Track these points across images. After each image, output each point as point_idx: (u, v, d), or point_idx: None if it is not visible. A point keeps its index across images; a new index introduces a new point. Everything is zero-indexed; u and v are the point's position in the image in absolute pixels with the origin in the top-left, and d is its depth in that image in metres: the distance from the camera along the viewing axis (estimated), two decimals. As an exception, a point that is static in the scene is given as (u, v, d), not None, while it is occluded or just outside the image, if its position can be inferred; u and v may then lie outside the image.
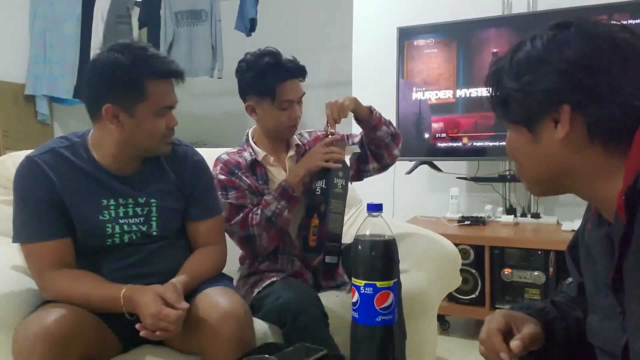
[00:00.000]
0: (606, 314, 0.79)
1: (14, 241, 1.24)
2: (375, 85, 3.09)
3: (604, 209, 0.76)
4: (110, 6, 3.47)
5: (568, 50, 0.71)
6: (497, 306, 2.45)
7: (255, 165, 1.58)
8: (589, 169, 0.74)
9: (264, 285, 1.49)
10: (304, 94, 1.60)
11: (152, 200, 1.29)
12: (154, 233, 1.30)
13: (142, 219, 1.28)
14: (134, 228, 1.27)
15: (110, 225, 1.25)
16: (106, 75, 1.19)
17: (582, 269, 0.87)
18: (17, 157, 1.73)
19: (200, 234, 1.37)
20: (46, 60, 3.54)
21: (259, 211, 1.50)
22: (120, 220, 1.26)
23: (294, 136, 1.67)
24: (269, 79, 1.52)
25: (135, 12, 3.67)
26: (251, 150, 1.60)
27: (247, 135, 1.66)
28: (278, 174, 1.61)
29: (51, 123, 3.73)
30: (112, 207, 1.25)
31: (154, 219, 1.29)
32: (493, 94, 0.80)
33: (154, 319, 1.10)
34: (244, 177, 1.55)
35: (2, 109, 3.43)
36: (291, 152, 1.64)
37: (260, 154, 1.59)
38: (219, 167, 1.56)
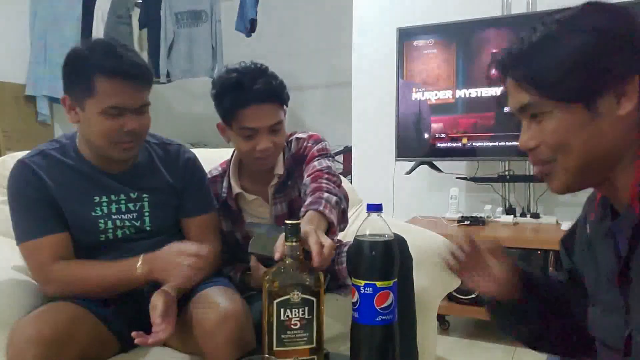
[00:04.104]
0: (607, 307, 0.78)
1: (18, 242, 1.24)
2: (375, 85, 3.09)
3: (617, 200, 0.75)
4: (110, 7, 3.48)
5: None
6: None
7: (227, 204, 1.44)
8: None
9: (244, 296, 1.42)
10: (277, 122, 1.32)
11: (144, 196, 1.30)
12: (148, 228, 1.30)
13: (134, 214, 1.29)
14: (127, 223, 1.28)
15: (102, 221, 1.25)
16: (65, 66, 1.20)
17: (582, 259, 0.86)
18: (17, 158, 1.73)
19: (193, 230, 1.36)
20: (46, 61, 3.55)
21: None
22: (113, 216, 1.26)
23: (283, 153, 1.43)
24: (226, 101, 1.31)
25: (136, 13, 3.68)
26: (227, 182, 1.44)
27: (231, 157, 1.48)
28: (259, 207, 1.45)
29: (51, 123, 3.74)
30: (105, 204, 1.26)
31: (146, 214, 1.30)
32: (536, 70, 0.73)
33: (179, 254, 1.13)
34: None
35: (3, 109, 3.44)
36: (274, 181, 1.43)
37: (235, 190, 1.42)
38: None
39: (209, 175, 1.50)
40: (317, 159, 1.40)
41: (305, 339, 0.96)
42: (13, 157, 1.74)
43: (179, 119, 4.16)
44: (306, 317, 0.95)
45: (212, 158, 1.61)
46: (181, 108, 4.43)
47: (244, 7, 3.42)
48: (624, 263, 0.72)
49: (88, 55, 1.16)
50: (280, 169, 1.42)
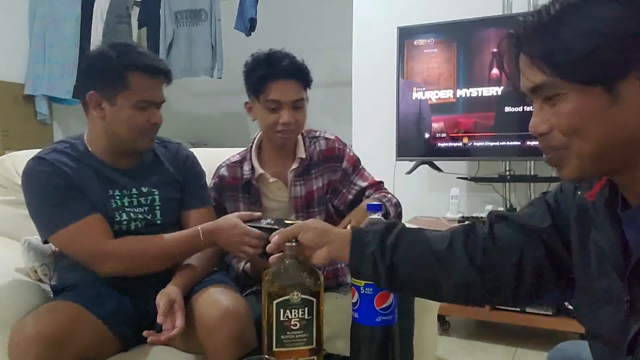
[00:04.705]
0: (600, 296, 0.75)
1: (55, 230, 1.21)
2: (375, 85, 3.09)
3: (633, 190, 0.71)
4: (109, 6, 3.47)
5: None
6: (497, 306, 2.44)
7: (249, 185, 1.51)
8: None
9: (245, 294, 1.46)
10: (300, 99, 1.44)
11: (154, 190, 1.34)
12: (158, 222, 1.34)
13: (146, 208, 1.33)
14: (140, 216, 1.31)
15: (118, 213, 1.29)
16: (93, 65, 1.28)
17: (572, 235, 0.82)
18: (16, 157, 1.73)
19: (191, 222, 1.38)
20: (45, 60, 3.55)
21: None
22: (126, 209, 1.30)
23: (302, 144, 1.54)
24: (256, 75, 1.44)
25: (135, 12, 3.67)
26: (250, 165, 1.52)
27: (253, 142, 1.57)
28: (278, 190, 1.53)
29: (51, 123, 3.74)
30: (118, 197, 1.30)
31: (157, 208, 1.34)
32: (552, 47, 0.66)
33: (242, 237, 1.20)
34: (229, 201, 1.52)
35: (2, 109, 3.44)
36: (294, 165, 1.52)
37: (258, 171, 1.51)
38: (213, 181, 1.55)
39: (224, 171, 1.55)
40: (363, 169, 1.57)
41: (305, 339, 0.95)
42: (12, 157, 1.75)
43: (178, 118, 4.15)
44: (306, 317, 0.94)
45: (212, 158, 1.61)
46: (181, 107, 4.43)
47: (244, 6, 3.41)
48: (636, 261, 0.68)
49: (117, 55, 1.25)
50: (302, 153, 1.52)
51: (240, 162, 1.55)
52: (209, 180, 1.54)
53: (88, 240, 1.21)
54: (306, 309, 0.94)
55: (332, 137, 1.58)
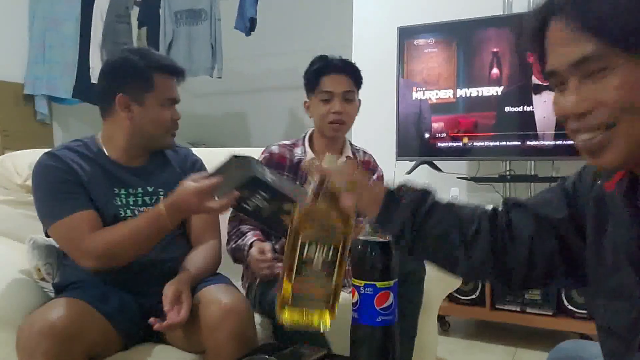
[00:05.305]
0: (614, 291, 0.73)
1: (50, 223, 1.25)
2: (375, 84, 3.07)
3: None
4: (109, 6, 3.48)
5: None
6: (497, 306, 2.44)
7: (299, 167, 1.59)
8: None
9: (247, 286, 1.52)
10: (349, 91, 1.62)
11: (160, 190, 1.37)
12: None
13: (150, 207, 1.34)
14: None
15: (122, 209, 1.32)
16: (119, 70, 1.34)
17: (588, 226, 0.79)
18: (16, 157, 1.74)
19: (196, 223, 1.41)
20: (45, 60, 3.55)
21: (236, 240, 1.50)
22: (131, 207, 1.33)
23: (349, 145, 1.68)
24: (311, 70, 1.62)
25: (135, 12, 3.68)
26: (303, 149, 1.63)
27: (306, 133, 1.69)
28: None
29: (51, 123, 3.73)
30: (124, 195, 1.33)
31: None
32: (605, 10, 0.58)
33: (199, 196, 1.15)
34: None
35: (2, 109, 3.44)
36: (341, 160, 1.64)
37: (309, 155, 1.62)
38: (263, 156, 1.62)
39: (275, 148, 1.63)
40: None
41: (321, 281, 0.91)
42: (12, 157, 1.75)
43: (178, 119, 4.15)
44: (329, 260, 0.91)
45: (212, 158, 1.61)
46: (180, 107, 4.43)
47: (244, 6, 3.41)
48: None
49: (140, 58, 1.33)
50: (349, 152, 1.68)
51: (290, 146, 1.65)
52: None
53: (75, 235, 1.24)
54: (330, 253, 0.91)
55: (369, 153, 1.77)
